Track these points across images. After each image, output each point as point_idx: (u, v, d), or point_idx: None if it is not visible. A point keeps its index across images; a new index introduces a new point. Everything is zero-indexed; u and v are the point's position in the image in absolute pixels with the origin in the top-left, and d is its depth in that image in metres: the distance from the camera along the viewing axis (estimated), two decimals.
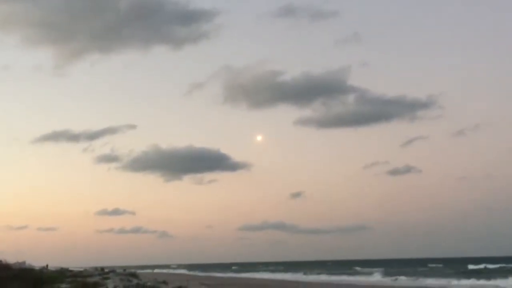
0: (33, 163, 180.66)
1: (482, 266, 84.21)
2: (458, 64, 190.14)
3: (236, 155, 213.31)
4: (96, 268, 57.34)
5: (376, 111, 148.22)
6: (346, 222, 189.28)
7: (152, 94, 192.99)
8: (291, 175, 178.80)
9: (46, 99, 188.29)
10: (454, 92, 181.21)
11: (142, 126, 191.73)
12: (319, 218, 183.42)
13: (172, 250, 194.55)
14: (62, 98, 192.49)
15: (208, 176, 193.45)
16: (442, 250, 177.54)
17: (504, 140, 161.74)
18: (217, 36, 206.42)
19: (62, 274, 39.20)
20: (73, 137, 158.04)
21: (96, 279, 35.24)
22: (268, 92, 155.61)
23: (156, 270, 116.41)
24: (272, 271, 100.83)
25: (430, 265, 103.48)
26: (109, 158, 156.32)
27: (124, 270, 56.82)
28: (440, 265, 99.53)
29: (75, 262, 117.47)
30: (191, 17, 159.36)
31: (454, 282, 53.77)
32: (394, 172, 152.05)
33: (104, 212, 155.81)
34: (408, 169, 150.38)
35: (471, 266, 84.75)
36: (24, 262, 48.25)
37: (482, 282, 51.81)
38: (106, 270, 49.99)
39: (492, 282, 50.06)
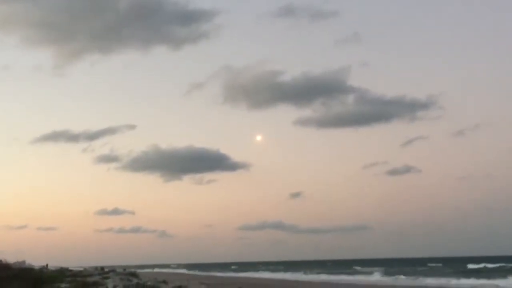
0: (33, 163, 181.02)
1: (481, 265, 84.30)
2: (458, 64, 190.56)
3: (235, 155, 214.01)
4: (96, 268, 57.36)
5: (376, 111, 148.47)
6: (346, 222, 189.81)
7: (152, 94, 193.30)
8: (290, 175, 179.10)
9: (46, 99, 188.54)
10: (454, 92, 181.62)
11: (142, 126, 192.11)
12: (319, 218, 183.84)
13: (171, 250, 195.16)
14: (62, 98, 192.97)
15: (207, 176, 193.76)
16: (441, 250, 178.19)
17: (504, 140, 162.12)
18: (216, 36, 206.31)
19: (62, 273, 39.21)
20: (72, 137, 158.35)
21: (96, 278, 35.26)
22: (268, 92, 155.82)
23: (155, 270, 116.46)
24: (272, 270, 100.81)
25: (429, 264, 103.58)
26: (108, 158, 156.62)
27: (124, 269, 56.86)
28: (440, 265, 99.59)
29: (75, 261, 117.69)
30: (190, 17, 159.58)
31: (454, 281, 53.77)
32: (394, 172, 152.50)
33: (104, 212, 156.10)
34: (407, 169, 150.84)
35: (470, 266, 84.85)
36: (24, 262, 48.27)
37: (482, 281, 51.78)
38: (106, 270, 50.02)
39: (491, 282, 50.06)
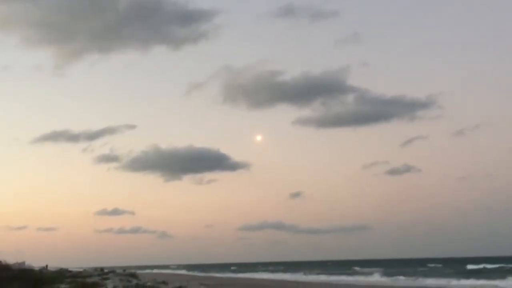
0: (33, 163, 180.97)
1: (481, 266, 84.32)
2: (457, 64, 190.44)
3: (235, 155, 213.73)
4: (95, 269, 57.29)
5: (376, 111, 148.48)
6: (346, 222, 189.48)
7: (152, 94, 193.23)
8: (290, 175, 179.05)
9: (45, 99, 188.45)
10: (454, 92, 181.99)
11: (142, 126, 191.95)
12: (319, 218, 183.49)
13: (171, 250, 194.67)
14: (61, 98, 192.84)
15: (207, 176, 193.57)
16: (441, 250, 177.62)
17: (504, 140, 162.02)
18: (216, 36, 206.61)
19: (62, 274, 39.20)
20: (72, 137, 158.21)
21: (95, 279, 35.23)
22: (267, 92, 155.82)
23: (155, 270, 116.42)
24: (272, 271, 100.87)
25: (429, 265, 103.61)
26: (108, 158, 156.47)
27: (124, 270, 56.76)
28: (440, 265, 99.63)
29: (75, 262, 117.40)
30: (190, 17, 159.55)
31: (454, 282, 53.82)
32: (394, 172, 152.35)
33: (104, 212, 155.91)
34: (407, 169, 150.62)
35: (470, 266, 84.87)
36: (23, 263, 48.15)
37: (481, 282, 51.84)
38: (105, 271, 49.92)
39: (491, 282, 50.10)
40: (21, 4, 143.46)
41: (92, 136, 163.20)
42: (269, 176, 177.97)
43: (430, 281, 57.17)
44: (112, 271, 50.19)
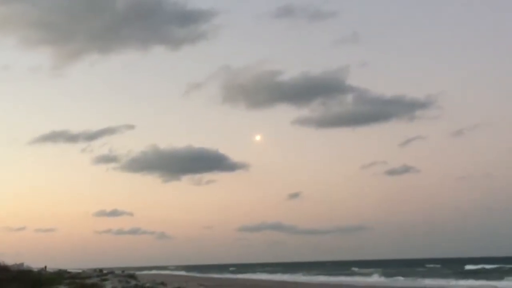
0: (32, 163, 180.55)
1: (480, 266, 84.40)
2: (457, 64, 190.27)
3: (234, 155, 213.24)
4: (94, 270, 57.31)
5: (375, 111, 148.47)
6: (345, 222, 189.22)
7: (151, 94, 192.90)
8: (289, 175, 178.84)
9: (44, 100, 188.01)
10: (453, 92, 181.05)
11: (141, 126, 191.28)
12: (317, 218, 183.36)
13: (170, 251, 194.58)
14: (60, 99, 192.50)
15: (206, 176, 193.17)
16: (440, 251, 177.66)
17: (504, 140, 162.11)
18: (215, 37, 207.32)
19: (61, 275, 39.18)
20: (71, 138, 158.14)
21: (94, 280, 35.24)
22: (266, 92, 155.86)
23: (154, 271, 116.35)
24: (271, 272, 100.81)
25: (428, 265, 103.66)
26: (107, 159, 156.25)
27: (123, 271, 56.74)
28: (438, 266, 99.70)
29: (74, 263, 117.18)
30: (189, 18, 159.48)
31: (452, 282, 53.91)
32: (393, 172, 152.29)
33: (102, 213, 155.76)
34: (406, 169, 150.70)
35: (469, 267, 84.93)
36: (22, 264, 48.10)
37: (480, 282, 51.91)
38: (104, 272, 49.95)
39: (490, 283, 50.16)
40: (20, 5, 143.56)
41: (91, 136, 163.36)
42: (268, 177, 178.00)
43: (429, 281, 57.23)
44: (111, 272, 50.21)
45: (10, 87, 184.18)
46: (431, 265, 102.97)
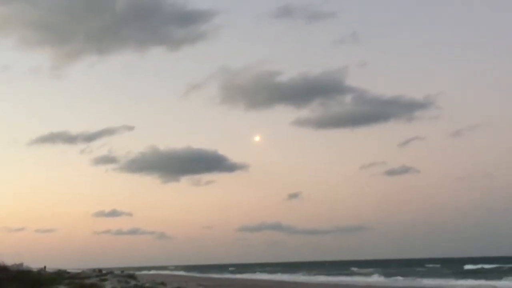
0: (31, 164, 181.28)
1: (479, 266, 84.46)
2: (456, 64, 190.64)
3: (233, 156, 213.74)
4: (94, 270, 57.29)
5: (374, 111, 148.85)
6: (344, 222, 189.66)
7: (150, 95, 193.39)
8: (288, 175, 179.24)
9: (43, 100, 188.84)
10: (452, 92, 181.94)
11: (140, 127, 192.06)
12: (317, 218, 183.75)
13: (170, 251, 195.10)
14: (59, 99, 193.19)
15: (205, 177, 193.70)
16: (440, 251, 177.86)
17: (503, 140, 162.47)
18: (214, 37, 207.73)
19: (60, 275, 39.18)
20: (70, 139, 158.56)
21: (93, 280, 35.23)
22: (266, 92, 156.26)
23: (153, 271, 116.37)
24: (270, 272, 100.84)
25: (427, 265, 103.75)
26: (106, 160, 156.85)
27: (122, 271, 56.79)
28: (438, 265, 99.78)
29: (73, 263, 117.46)
30: (188, 18, 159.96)
31: (452, 282, 53.92)
32: (392, 172, 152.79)
33: (102, 214, 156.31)
34: (405, 169, 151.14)
35: (468, 267, 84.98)
36: (21, 264, 48.11)
37: (479, 282, 51.94)
38: (104, 272, 49.96)
39: (489, 283, 50.19)
40: (19, 5, 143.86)
41: (90, 137, 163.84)
42: (267, 177, 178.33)
43: (428, 281, 57.20)
44: (111, 272, 50.22)
45: (8, 88, 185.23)
46: (431, 265, 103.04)
